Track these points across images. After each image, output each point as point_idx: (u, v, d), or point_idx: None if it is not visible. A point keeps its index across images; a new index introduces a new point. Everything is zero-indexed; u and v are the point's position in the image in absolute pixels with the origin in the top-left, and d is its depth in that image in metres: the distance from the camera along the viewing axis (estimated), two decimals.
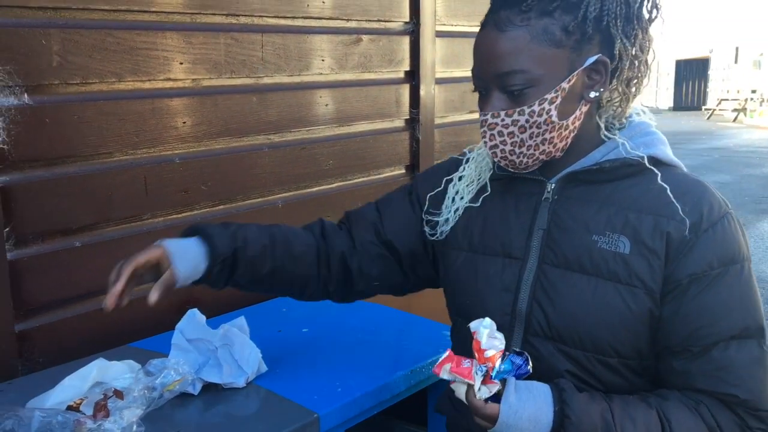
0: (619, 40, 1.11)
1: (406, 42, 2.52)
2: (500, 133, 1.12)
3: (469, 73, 2.91)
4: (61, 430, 1.21)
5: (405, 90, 2.56)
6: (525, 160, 1.14)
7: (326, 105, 2.28)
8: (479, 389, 1.07)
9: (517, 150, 1.13)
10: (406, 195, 1.41)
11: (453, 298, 1.31)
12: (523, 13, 1.08)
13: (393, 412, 1.80)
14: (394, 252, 1.38)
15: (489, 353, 1.06)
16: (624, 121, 1.21)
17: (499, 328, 1.11)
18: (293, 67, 2.14)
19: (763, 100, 21.52)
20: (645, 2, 1.13)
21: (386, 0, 2.41)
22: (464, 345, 1.14)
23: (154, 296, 1.19)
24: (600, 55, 1.11)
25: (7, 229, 1.56)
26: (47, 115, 1.61)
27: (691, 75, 28.04)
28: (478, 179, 1.29)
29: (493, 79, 1.11)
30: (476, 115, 3.09)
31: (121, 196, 1.77)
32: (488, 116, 1.12)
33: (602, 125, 1.19)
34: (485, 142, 1.15)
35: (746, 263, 1.11)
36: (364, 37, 2.36)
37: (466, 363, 1.07)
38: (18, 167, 1.58)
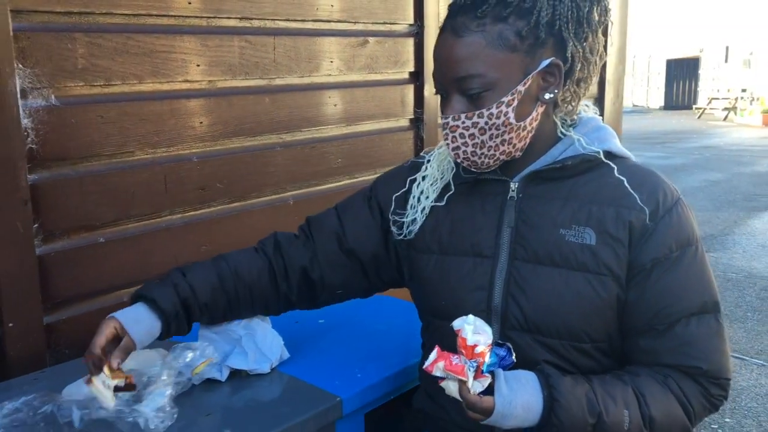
0: (571, 43, 1.16)
1: (410, 44, 2.60)
2: (461, 135, 1.17)
3: None
4: (99, 413, 1.28)
5: (409, 90, 2.64)
6: (486, 160, 1.19)
7: (335, 105, 2.35)
8: (472, 384, 1.10)
9: (478, 151, 1.18)
10: (365, 201, 1.43)
11: (426, 299, 1.34)
12: (478, 19, 1.12)
13: (402, 400, 1.87)
14: (357, 259, 1.41)
15: (479, 349, 1.09)
16: (575, 117, 1.27)
17: None
18: (303, 69, 2.21)
19: (753, 99, 21.70)
20: (594, 6, 1.18)
21: (391, 3, 2.49)
22: (439, 342, 1.17)
23: (115, 362, 1.25)
24: (553, 58, 1.16)
25: (36, 225, 1.63)
26: (73, 115, 1.67)
27: (682, 74, 28.25)
28: (441, 178, 1.33)
29: (452, 83, 1.15)
30: None
31: (142, 194, 1.84)
32: (449, 119, 1.17)
33: (558, 123, 1.25)
34: (448, 144, 1.20)
35: (699, 244, 1.20)
36: (371, 39, 2.44)
37: (456, 360, 1.10)
38: (46, 166, 1.64)
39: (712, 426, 3.41)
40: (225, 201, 2.05)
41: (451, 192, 1.30)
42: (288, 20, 2.15)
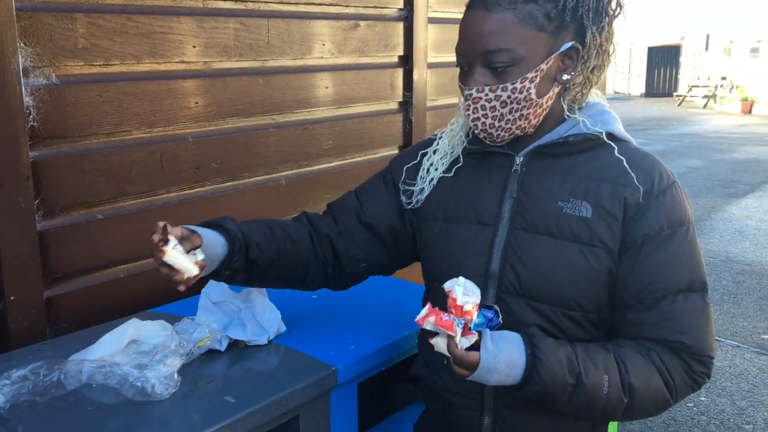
0: (590, 30, 1.23)
1: (400, 28, 2.64)
2: (483, 107, 1.22)
3: None
4: (106, 381, 1.33)
5: (399, 74, 2.69)
6: (502, 133, 1.25)
7: (326, 87, 2.39)
8: (460, 340, 1.16)
9: (496, 123, 1.24)
10: (381, 179, 1.51)
11: (429, 264, 1.40)
12: None
13: (392, 372, 1.94)
14: (376, 233, 1.47)
15: (467, 307, 1.15)
16: (582, 103, 1.33)
17: None
18: (296, 51, 2.25)
19: (732, 87, 21.95)
20: (612, 5, 1.25)
21: None
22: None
23: (178, 230, 1.28)
24: (574, 42, 1.23)
25: (37, 201, 1.66)
26: (73, 94, 1.71)
27: (663, 62, 28.47)
28: (452, 153, 1.39)
29: (479, 56, 1.20)
30: None
31: (139, 172, 1.88)
32: (473, 90, 1.22)
33: (565, 107, 1.31)
34: (468, 115, 1.25)
35: (691, 226, 1.25)
36: (362, 23, 2.48)
37: (446, 317, 1.16)
38: (46, 144, 1.68)
39: (688, 404, 3.53)
40: (219, 180, 2.09)
41: (459, 165, 1.37)
42: (281, 3, 2.19)
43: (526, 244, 1.26)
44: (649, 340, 1.23)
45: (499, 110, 1.22)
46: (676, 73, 27.98)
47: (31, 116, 1.63)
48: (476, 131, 1.27)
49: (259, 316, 1.54)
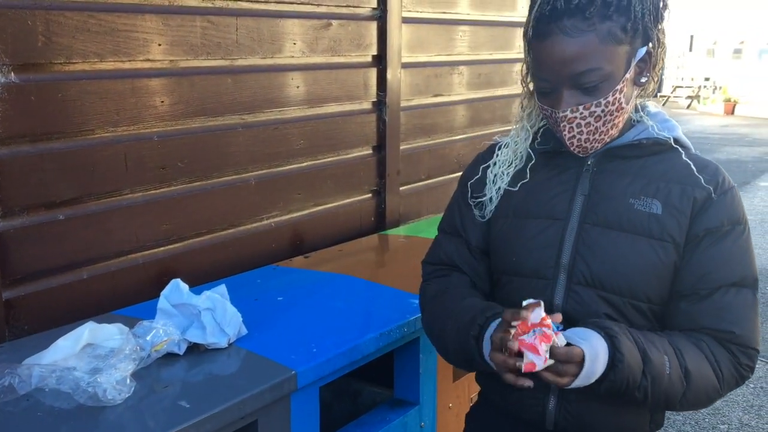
0: (654, 31, 1.29)
1: (373, 27, 2.63)
2: (578, 125, 1.28)
3: (433, 58, 3.07)
4: (59, 386, 1.31)
5: (372, 74, 2.67)
6: (596, 144, 1.31)
7: (297, 87, 2.37)
8: (558, 338, 1.16)
9: (591, 138, 1.30)
10: (466, 204, 1.48)
11: (498, 257, 1.43)
12: (587, 20, 1.22)
13: (361, 376, 1.93)
14: (487, 252, 1.46)
15: (541, 318, 1.16)
16: (641, 109, 1.39)
17: (544, 279, 1.31)
18: (266, 50, 2.23)
19: (716, 88, 22.11)
20: (662, 3, 1.31)
21: None
22: (508, 298, 1.35)
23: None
24: (647, 46, 1.29)
25: None
26: (33, 93, 1.68)
27: None
28: (517, 161, 1.43)
29: (567, 79, 1.25)
30: (440, 99, 3.23)
31: (102, 172, 1.85)
32: (567, 112, 1.26)
33: (639, 108, 1.38)
34: (564, 135, 1.29)
35: (747, 227, 1.33)
36: (334, 22, 2.46)
37: (528, 339, 1.15)
38: (5, 143, 1.65)
39: None
40: (186, 180, 2.07)
41: (525, 180, 1.40)
42: (251, 1, 2.17)
43: (597, 237, 1.31)
44: (701, 329, 1.29)
45: (593, 125, 1.28)
46: (661, 74, 28.08)
47: None
48: (572, 148, 1.32)
49: (219, 319, 1.53)
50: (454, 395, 1.99)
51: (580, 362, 1.17)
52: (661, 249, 1.28)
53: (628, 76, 1.26)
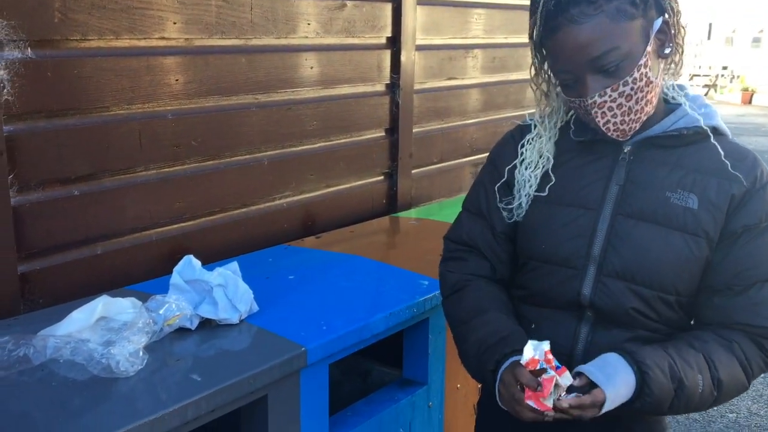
0: (667, 2, 1.26)
1: (388, 9, 2.62)
2: (610, 109, 1.25)
3: (448, 41, 3.05)
4: (73, 357, 1.33)
5: (386, 55, 2.67)
6: (633, 125, 1.27)
7: (311, 68, 2.37)
8: (561, 379, 1.16)
9: (626, 118, 1.26)
10: (494, 185, 1.45)
11: (527, 243, 1.40)
12: (592, 4, 1.21)
13: (371, 355, 1.95)
14: (512, 238, 1.44)
15: (545, 353, 1.18)
16: (681, 91, 1.37)
17: (573, 269, 1.29)
18: (280, 30, 2.23)
19: (733, 77, 21.87)
20: None
21: None
22: (535, 283, 1.35)
23: None
24: (662, 16, 1.26)
25: (11, 176, 1.65)
26: (49, 69, 1.69)
27: None
28: (543, 161, 1.39)
29: (587, 65, 1.22)
30: (454, 82, 3.22)
31: (117, 149, 1.86)
32: (596, 97, 1.23)
33: (677, 89, 1.35)
34: (598, 122, 1.26)
35: None
36: (348, 3, 2.46)
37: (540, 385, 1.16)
38: (21, 118, 1.66)
39: None
40: (199, 159, 2.08)
41: (551, 183, 1.37)
42: None
43: (630, 229, 1.29)
44: (733, 325, 1.29)
45: (625, 105, 1.25)
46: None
47: (5, 90, 1.62)
48: (609, 134, 1.28)
49: (231, 295, 1.54)
50: (462, 376, 2.00)
51: (602, 405, 1.18)
52: (694, 244, 1.27)
53: (649, 49, 1.23)
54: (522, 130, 1.45)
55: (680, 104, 1.34)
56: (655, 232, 1.28)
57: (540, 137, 1.41)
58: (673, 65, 1.34)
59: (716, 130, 1.33)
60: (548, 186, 1.37)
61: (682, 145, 1.32)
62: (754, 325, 1.28)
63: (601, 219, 1.31)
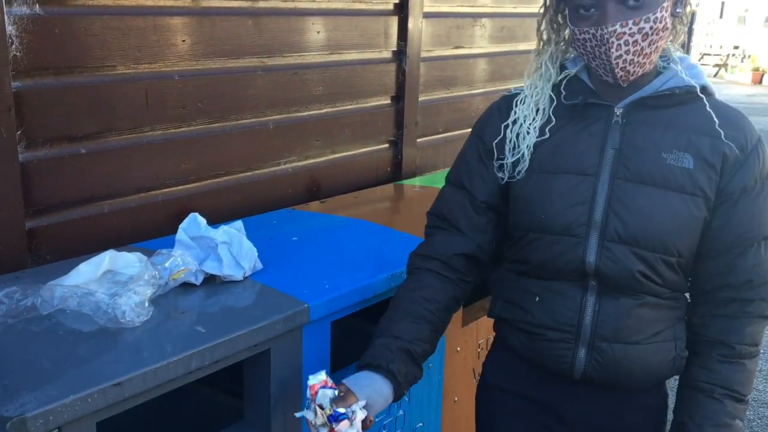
0: None
1: None
2: (626, 42, 1.23)
3: (456, 9, 3.03)
4: (80, 307, 1.35)
5: (393, 22, 2.66)
6: (638, 69, 1.27)
7: (318, 32, 2.37)
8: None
9: (636, 59, 1.25)
10: (477, 156, 1.45)
11: (523, 215, 1.39)
12: None
13: (373, 319, 1.96)
14: (494, 209, 1.45)
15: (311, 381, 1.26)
16: (671, 54, 1.37)
17: (575, 237, 1.31)
18: None
19: (744, 57, 21.65)
20: None
21: None
22: (536, 255, 1.36)
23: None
24: None
25: (19, 132, 1.67)
26: (57, 25, 1.70)
27: None
28: (542, 114, 1.38)
29: None
30: (461, 51, 3.20)
31: (124, 108, 1.87)
32: (617, 26, 1.22)
33: (669, 48, 1.36)
34: (611, 54, 1.24)
35: None
36: None
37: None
38: (29, 74, 1.67)
39: None
40: (205, 121, 2.09)
41: (552, 124, 1.37)
42: None
43: (630, 192, 1.30)
44: (731, 288, 1.33)
45: (640, 43, 1.24)
46: (689, 41, 27.53)
47: (13, 45, 1.62)
48: (616, 70, 1.26)
49: (236, 252, 1.56)
50: (462, 339, 2.02)
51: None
52: (693, 203, 1.29)
53: None
54: (507, 100, 1.45)
55: (669, 66, 1.35)
56: (654, 195, 1.29)
57: (533, 92, 1.40)
58: (674, 31, 1.35)
59: (705, 90, 1.34)
60: (543, 151, 1.36)
61: (674, 105, 1.32)
62: (753, 287, 1.32)
63: (600, 184, 1.31)
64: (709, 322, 1.37)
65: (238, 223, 1.64)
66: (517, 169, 1.39)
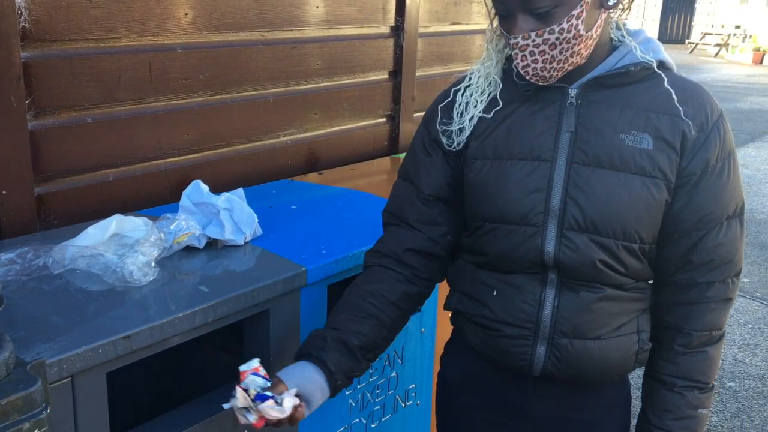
0: None
1: None
2: (531, 53, 1.20)
3: None
4: (89, 268, 1.42)
5: None
6: (555, 73, 1.23)
7: (317, 7, 2.42)
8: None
9: (548, 66, 1.21)
10: (422, 147, 1.43)
11: (480, 205, 1.34)
12: None
13: None
14: (446, 200, 1.41)
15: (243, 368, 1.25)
16: (623, 28, 1.31)
17: (533, 226, 1.27)
18: None
19: (746, 36, 21.58)
20: None
21: None
22: (494, 245, 1.31)
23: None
24: None
25: (28, 101, 1.73)
26: None
27: (678, 7, 27.88)
28: (489, 90, 1.34)
29: (519, 3, 1.17)
30: (458, 27, 3.25)
31: (128, 79, 1.93)
32: (519, 39, 1.19)
33: (614, 31, 1.30)
34: (517, 63, 1.23)
35: (735, 153, 1.30)
36: None
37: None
38: (37, 45, 1.73)
39: None
40: (207, 93, 2.15)
41: (498, 107, 1.32)
42: None
43: (588, 178, 1.25)
44: (694, 275, 1.31)
45: (548, 53, 1.20)
46: (690, 20, 27.45)
47: (22, 17, 1.68)
48: (527, 77, 1.25)
49: (237, 218, 1.63)
50: None
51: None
52: (653, 186, 1.24)
53: (588, 0, 1.17)
54: (456, 83, 1.41)
55: (623, 42, 1.29)
56: (613, 179, 1.24)
57: (487, 60, 1.35)
58: (620, 12, 1.29)
59: (662, 65, 1.29)
60: (496, 137, 1.31)
61: (630, 83, 1.27)
62: (718, 265, 1.29)
63: (557, 170, 1.26)
64: (670, 309, 1.34)
65: (239, 191, 1.70)
66: (457, 139, 1.35)
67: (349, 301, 1.40)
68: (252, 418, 1.20)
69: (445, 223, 1.41)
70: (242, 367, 1.25)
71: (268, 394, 1.21)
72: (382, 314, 1.38)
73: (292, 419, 1.23)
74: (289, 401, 1.21)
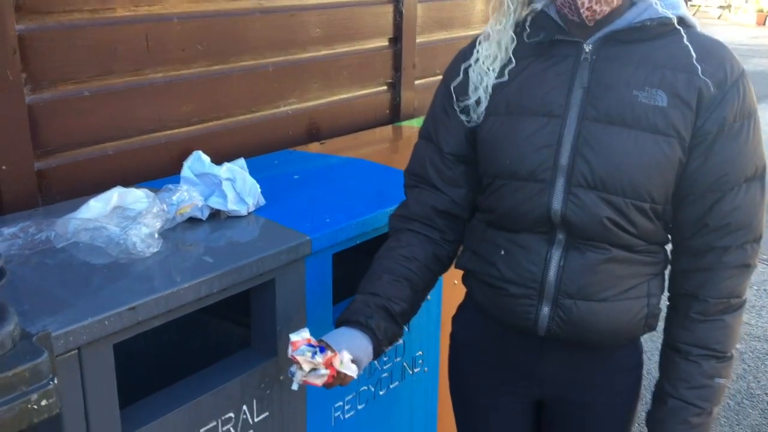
0: None
1: None
2: None
3: None
4: (92, 240, 1.42)
5: None
6: (604, 7, 1.21)
7: None
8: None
9: None
10: (442, 106, 1.43)
11: (490, 161, 1.34)
12: None
13: (371, 253, 2.03)
14: (464, 159, 1.41)
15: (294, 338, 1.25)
16: None
17: (541, 182, 1.26)
18: None
19: None
20: None
21: None
22: (503, 202, 1.31)
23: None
24: None
25: (24, 75, 1.70)
26: None
27: None
28: (502, 53, 1.33)
29: None
30: None
31: (125, 51, 1.90)
32: None
33: None
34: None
35: (757, 114, 1.27)
36: None
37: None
38: (32, 18, 1.70)
39: None
40: (205, 64, 2.12)
41: (512, 66, 1.31)
42: None
43: (599, 134, 1.23)
44: (710, 240, 1.27)
45: None
46: None
47: None
48: (581, 10, 1.21)
49: (239, 188, 1.62)
50: (459, 273, 2.09)
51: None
52: (666, 144, 1.22)
53: None
54: (473, 43, 1.40)
55: None
56: (624, 136, 1.22)
57: (495, 30, 1.34)
58: None
59: (683, 21, 1.26)
60: (508, 93, 1.31)
61: (648, 39, 1.25)
62: (735, 229, 1.26)
63: (567, 126, 1.25)
64: (686, 276, 1.32)
65: (241, 161, 1.69)
66: (476, 114, 1.35)
67: (385, 265, 1.41)
68: (323, 372, 1.22)
69: (465, 184, 1.42)
70: (293, 337, 1.24)
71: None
72: (416, 278, 1.40)
73: (345, 380, 1.27)
74: (348, 356, 1.25)
